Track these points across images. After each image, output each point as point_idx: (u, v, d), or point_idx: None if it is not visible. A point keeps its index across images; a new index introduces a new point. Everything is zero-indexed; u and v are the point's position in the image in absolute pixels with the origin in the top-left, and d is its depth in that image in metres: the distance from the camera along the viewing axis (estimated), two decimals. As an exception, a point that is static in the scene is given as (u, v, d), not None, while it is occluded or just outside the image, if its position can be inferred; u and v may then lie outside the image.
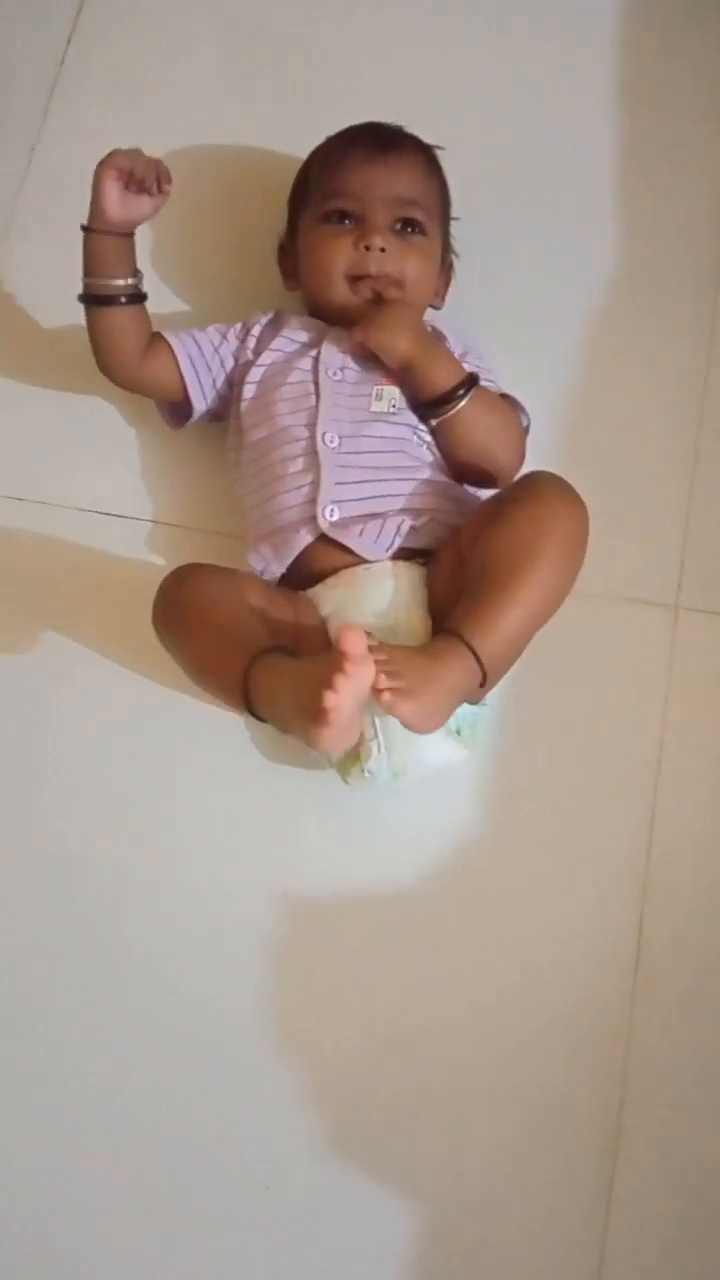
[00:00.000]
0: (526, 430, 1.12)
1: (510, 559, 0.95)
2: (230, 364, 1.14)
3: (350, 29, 1.35)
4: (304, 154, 1.19)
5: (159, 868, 1.10)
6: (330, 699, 0.84)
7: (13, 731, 1.14)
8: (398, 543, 1.04)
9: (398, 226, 1.11)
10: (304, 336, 1.13)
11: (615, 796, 1.09)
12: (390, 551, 1.03)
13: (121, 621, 1.15)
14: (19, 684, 1.15)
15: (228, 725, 1.10)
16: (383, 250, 1.09)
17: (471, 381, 1.06)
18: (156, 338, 1.13)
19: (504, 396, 1.12)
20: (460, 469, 1.09)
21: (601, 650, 1.13)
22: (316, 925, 1.08)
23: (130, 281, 1.08)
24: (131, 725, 1.14)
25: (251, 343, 1.14)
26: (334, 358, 1.10)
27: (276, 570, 1.06)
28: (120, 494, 1.20)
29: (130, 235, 1.08)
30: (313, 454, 1.06)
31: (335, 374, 1.09)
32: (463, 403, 1.06)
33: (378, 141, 1.13)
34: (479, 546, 0.98)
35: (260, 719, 0.97)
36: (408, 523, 1.04)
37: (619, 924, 1.06)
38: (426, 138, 1.17)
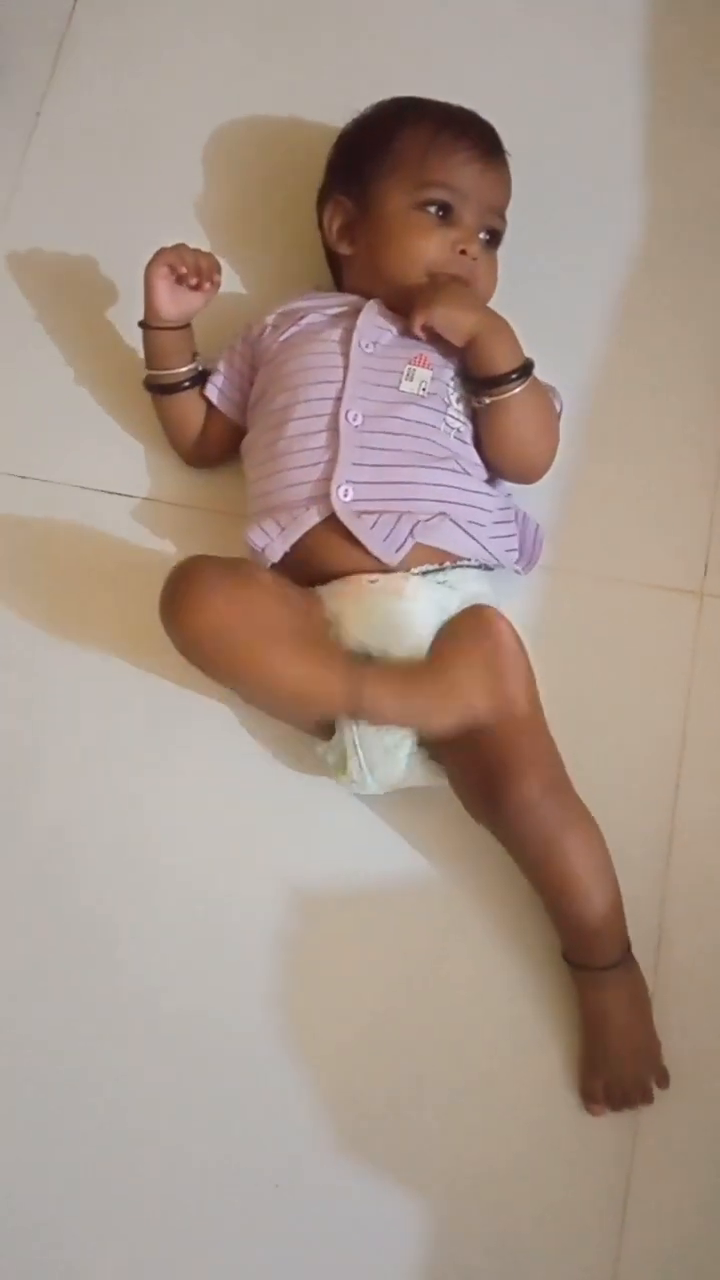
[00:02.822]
0: (559, 415, 1.11)
1: None
2: (250, 370, 1.13)
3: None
4: (321, 119, 1.17)
5: (158, 864, 1.08)
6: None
7: (10, 719, 1.13)
8: (410, 544, 1.01)
9: (486, 236, 1.11)
10: (336, 308, 1.10)
11: (637, 785, 1.08)
12: (402, 553, 1.00)
13: (119, 603, 1.13)
14: (15, 665, 1.14)
15: (227, 716, 1.09)
16: (475, 260, 1.09)
17: (529, 366, 1.05)
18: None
19: (546, 386, 1.10)
20: (496, 457, 1.07)
21: (625, 637, 1.12)
22: (320, 922, 1.07)
23: (190, 367, 1.13)
24: (131, 712, 1.12)
25: (268, 330, 1.11)
26: (369, 331, 1.07)
27: (279, 549, 1.03)
28: (120, 471, 1.19)
29: (187, 326, 1.12)
30: (334, 430, 1.03)
31: (368, 347, 1.06)
32: (519, 387, 1.04)
33: (488, 143, 1.11)
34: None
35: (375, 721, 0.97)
36: (422, 522, 1.01)
37: (639, 915, 1.04)
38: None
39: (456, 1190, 1.01)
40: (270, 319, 1.12)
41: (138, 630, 1.10)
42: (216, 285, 1.09)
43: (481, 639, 0.96)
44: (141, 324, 1.11)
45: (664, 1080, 1.00)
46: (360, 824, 1.08)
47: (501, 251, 1.13)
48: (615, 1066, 0.99)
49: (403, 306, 1.07)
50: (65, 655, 1.13)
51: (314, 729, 1.03)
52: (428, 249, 1.08)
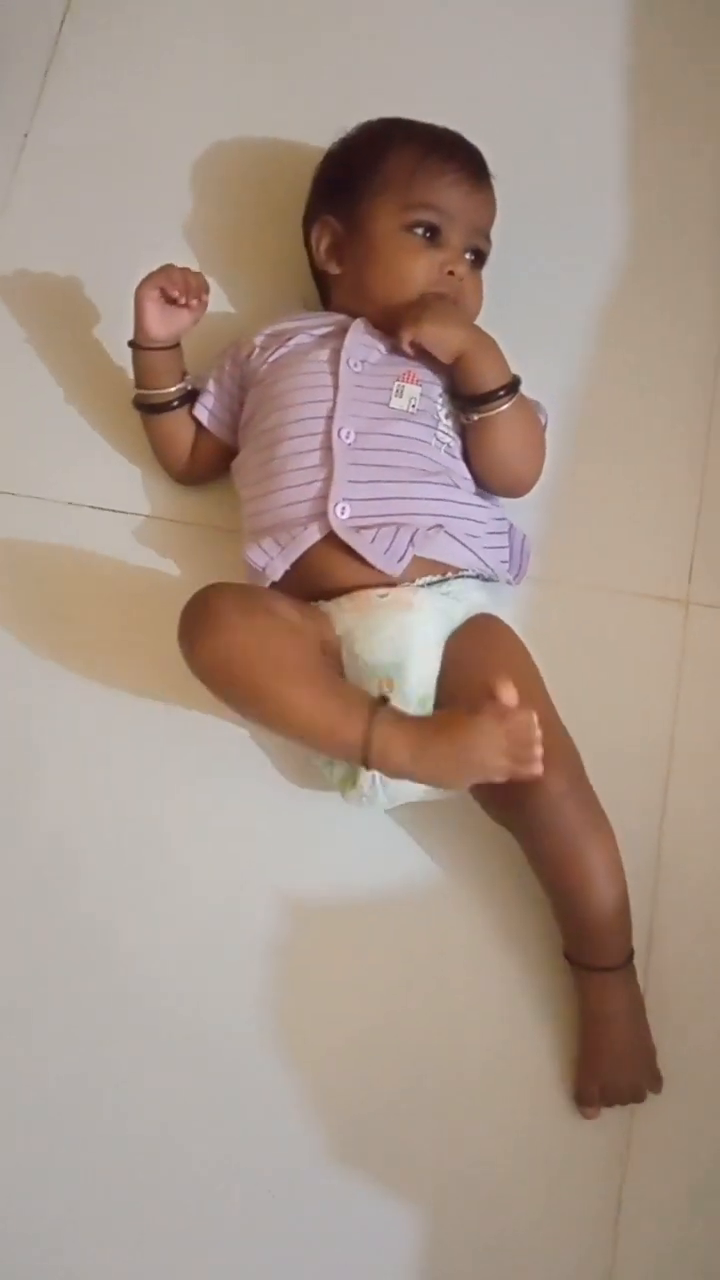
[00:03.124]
0: (544, 429, 1.11)
1: None
2: (239, 390, 1.14)
3: (356, 10, 1.33)
4: (310, 137, 1.16)
5: (157, 873, 1.08)
6: (537, 750, 0.88)
7: (6, 733, 1.12)
8: (411, 554, 1.01)
9: (472, 257, 1.12)
10: (323, 328, 1.10)
11: (626, 793, 1.07)
12: (403, 564, 1.01)
13: (115, 620, 1.14)
14: (11, 682, 1.14)
15: (225, 728, 1.09)
16: (462, 280, 1.10)
17: (516, 383, 1.06)
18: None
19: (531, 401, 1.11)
20: (484, 472, 1.08)
21: (612, 645, 1.13)
22: (317, 929, 1.07)
23: (179, 386, 1.13)
24: (129, 725, 1.12)
25: (255, 351, 1.12)
26: (357, 350, 1.07)
27: (280, 567, 1.03)
28: (113, 488, 1.19)
29: (177, 346, 1.12)
30: (327, 448, 1.04)
31: (356, 365, 1.07)
32: (506, 404, 1.05)
33: (474, 166, 1.12)
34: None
35: (383, 771, 0.94)
36: (421, 532, 1.02)
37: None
38: (427, 118, 1.15)
39: (452, 1192, 1.01)
40: (258, 340, 1.12)
41: (136, 645, 1.12)
42: (204, 304, 1.10)
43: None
44: (131, 344, 1.12)
45: (658, 1085, 1.00)
46: (357, 832, 1.08)
47: (488, 264, 1.14)
48: (612, 1070, 1.00)
49: (390, 325, 1.08)
50: (64, 669, 1.13)
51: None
52: (416, 270, 1.08)
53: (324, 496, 1.02)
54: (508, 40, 1.32)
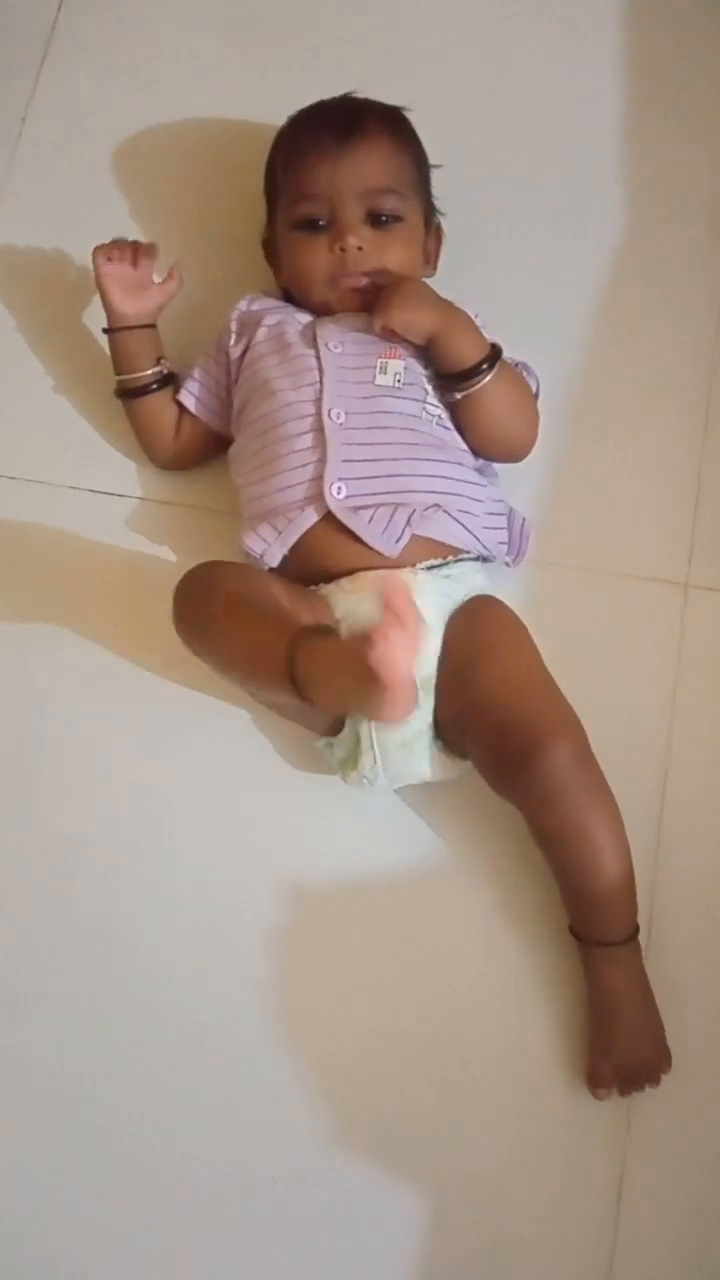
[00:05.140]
0: (537, 396, 1.11)
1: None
2: (225, 375, 1.14)
3: (356, 3, 1.33)
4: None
5: (158, 860, 1.08)
6: (383, 650, 0.81)
7: (6, 720, 1.12)
8: (409, 534, 1.01)
9: (372, 218, 1.09)
10: (299, 324, 1.10)
11: (625, 776, 1.07)
12: (401, 544, 1.01)
13: (116, 603, 1.14)
14: (10, 668, 1.13)
15: (227, 714, 1.09)
16: (360, 249, 1.07)
17: (496, 355, 1.05)
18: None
19: (516, 364, 1.10)
20: (479, 443, 1.08)
21: (611, 628, 1.12)
22: (319, 916, 1.06)
23: (156, 370, 1.13)
24: (128, 713, 1.12)
25: (232, 340, 1.12)
26: (332, 333, 1.08)
27: (278, 552, 1.03)
28: (111, 471, 1.19)
29: (152, 326, 1.13)
30: (319, 430, 1.04)
31: (336, 347, 1.07)
32: (487, 378, 1.04)
33: (337, 129, 1.09)
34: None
35: (310, 701, 0.92)
36: (419, 511, 1.01)
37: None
38: (423, 109, 1.15)
39: (452, 1187, 1.00)
40: (233, 324, 1.12)
41: (135, 630, 1.12)
42: (176, 280, 1.13)
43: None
44: (106, 330, 1.13)
45: (668, 1063, 0.99)
46: (362, 817, 1.08)
47: (486, 252, 1.14)
48: (625, 1048, 0.99)
49: (332, 314, 1.09)
50: (63, 657, 1.13)
51: (321, 726, 1.03)
52: (310, 264, 1.09)
53: (319, 478, 1.02)
54: (502, 33, 1.32)
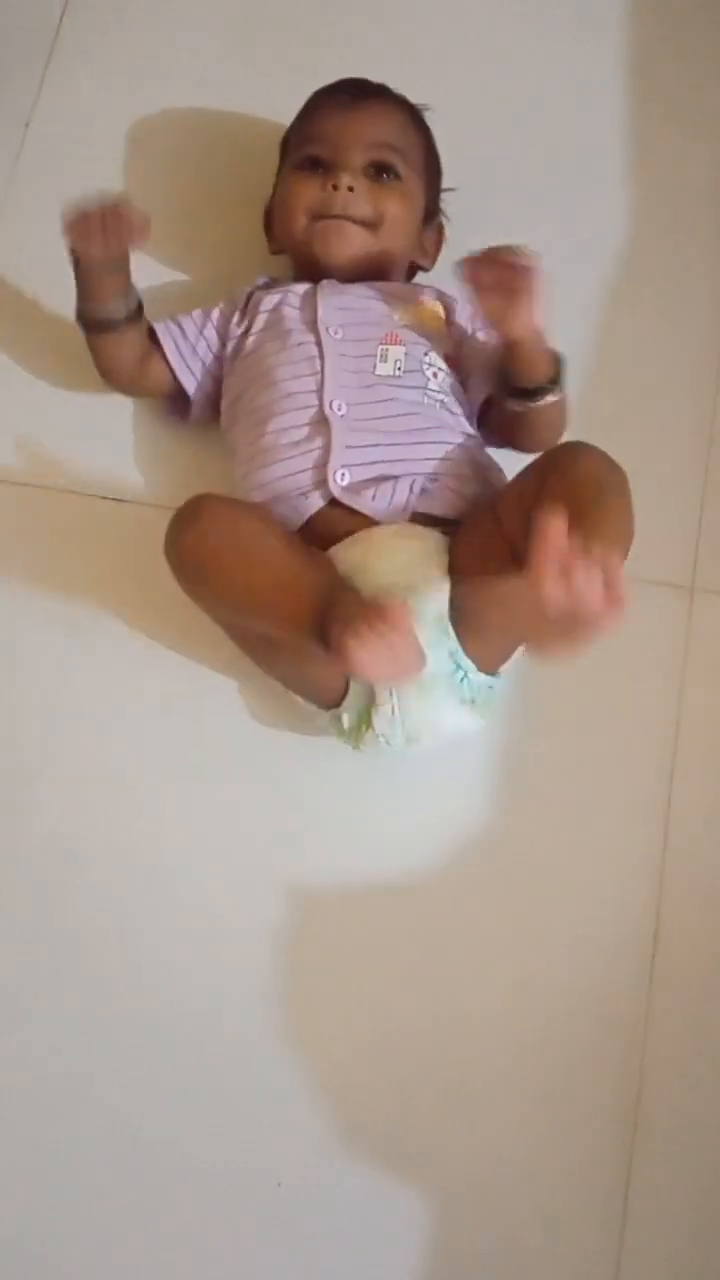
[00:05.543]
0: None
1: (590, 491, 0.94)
2: (217, 344, 1.13)
3: (359, 3, 1.34)
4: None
5: (158, 860, 1.08)
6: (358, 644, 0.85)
7: (6, 720, 1.12)
8: (411, 504, 1.01)
9: (372, 171, 1.10)
10: (299, 299, 1.11)
11: (630, 780, 1.09)
12: (405, 514, 1.01)
13: (116, 603, 1.13)
14: (10, 668, 1.13)
15: (229, 715, 1.09)
16: (351, 190, 1.08)
17: (560, 373, 1.03)
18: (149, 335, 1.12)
19: None
20: (507, 440, 1.08)
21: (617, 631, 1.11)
22: (324, 918, 1.06)
23: (126, 305, 1.09)
24: (128, 713, 1.12)
25: (237, 316, 1.12)
26: (332, 314, 1.08)
27: None
28: (105, 475, 1.19)
29: (124, 273, 1.08)
30: (321, 421, 1.04)
31: (336, 332, 1.07)
32: (554, 397, 1.02)
33: (355, 90, 1.13)
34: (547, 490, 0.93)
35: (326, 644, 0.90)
36: (420, 484, 1.02)
37: (635, 912, 1.05)
38: (432, 105, 1.16)
39: (456, 1190, 1.00)
40: (241, 301, 1.13)
41: (136, 630, 1.12)
42: (138, 230, 1.04)
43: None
44: (72, 252, 1.06)
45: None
46: (368, 815, 1.08)
47: (486, 241, 1.14)
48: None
49: (301, 262, 1.11)
50: (63, 656, 1.13)
51: (324, 696, 1.02)
52: (304, 195, 1.10)
53: (323, 465, 1.02)
54: (504, 31, 1.33)
